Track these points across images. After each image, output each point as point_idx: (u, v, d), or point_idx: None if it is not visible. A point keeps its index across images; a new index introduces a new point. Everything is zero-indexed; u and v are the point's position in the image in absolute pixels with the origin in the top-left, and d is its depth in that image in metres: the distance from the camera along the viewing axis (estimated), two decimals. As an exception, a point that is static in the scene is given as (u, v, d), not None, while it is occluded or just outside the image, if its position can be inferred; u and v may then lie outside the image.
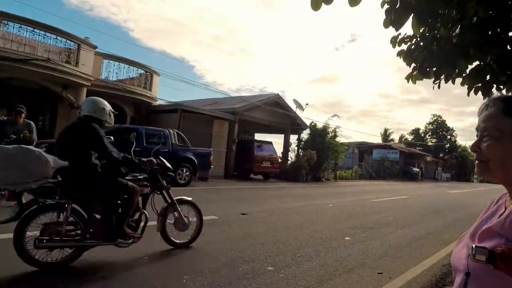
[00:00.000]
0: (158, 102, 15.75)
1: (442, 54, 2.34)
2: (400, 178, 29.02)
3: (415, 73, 2.76)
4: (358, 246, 4.46)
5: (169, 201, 3.59)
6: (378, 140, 41.69)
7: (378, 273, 3.44)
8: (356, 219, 6.64)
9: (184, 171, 10.58)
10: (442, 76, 2.67)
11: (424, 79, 2.71)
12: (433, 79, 2.64)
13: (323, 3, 1.90)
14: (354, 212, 7.83)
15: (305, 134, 20.07)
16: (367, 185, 18.99)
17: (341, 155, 19.89)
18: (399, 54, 2.77)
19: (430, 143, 48.40)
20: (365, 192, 13.73)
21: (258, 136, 22.22)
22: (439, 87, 2.77)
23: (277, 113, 17.93)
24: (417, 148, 43.12)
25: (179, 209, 3.62)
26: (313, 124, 19.66)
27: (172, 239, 3.68)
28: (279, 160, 17.69)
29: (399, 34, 2.68)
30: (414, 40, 2.69)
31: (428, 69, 2.59)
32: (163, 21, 79.75)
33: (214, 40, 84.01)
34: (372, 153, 30.47)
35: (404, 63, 2.75)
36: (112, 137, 8.66)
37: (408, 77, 2.83)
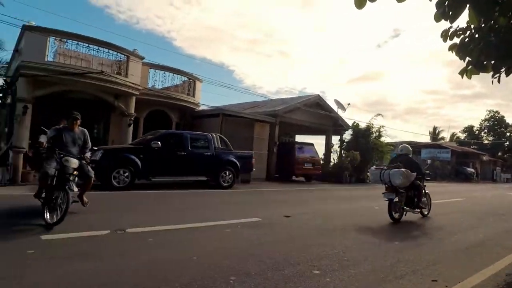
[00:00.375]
0: (201, 108, 16.25)
1: (502, 46, 2.16)
2: (453, 179, 27.09)
3: (470, 67, 2.57)
4: (409, 251, 4.24)
5: None
6: (426, 139, 39.39)
7: (433, 281, 3.25)
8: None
9: (227, 173, 10.80)
10: (502, 69, 2.47)
11: (480, 73, 2.52)
12: (491, 73, 2.45)
13: (368, 1, 1.85)
14: (403, 215, 7.46)
15: (347, 135, 19.56)
16: (416, 187, 17.93)
17: (387, 156, 19.03)
18: (451, 48, 2.60)
19: (486, 141, 44.65)
20: (414, 195, 13.00)
21: (299, 138, 22.03)
22: (498, 81, 2.57)
23: (318, 114, 17.67)
24: (472, 147, 39.98)
25: None
26: (355, 124, 19.11)
27: None
28: (321, 162, 17.37)
29: (451, 27, 2.52)
30: (468, 32, 2.51)
31: (485, 63, 2.40)
32: (202, 29, 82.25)
33: (251, 44, 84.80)
34: (420, 153, 28.82)
35: (456, 57, 2.58)
36: (159, 142, 9.18)
37: (462, 72, 2.65)
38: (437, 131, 44.19)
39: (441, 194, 13.80)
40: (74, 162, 4.72)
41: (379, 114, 19.08)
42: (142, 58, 12.84)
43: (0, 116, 16.25)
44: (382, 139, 18.83)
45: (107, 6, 76.80)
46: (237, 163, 11.07)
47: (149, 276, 2.93)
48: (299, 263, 3.47)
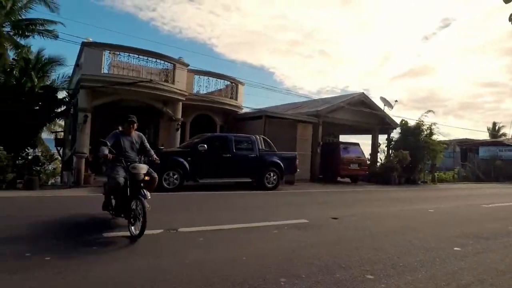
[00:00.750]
0: (244, 110, 16.50)
1: None
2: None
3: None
4: (473, 259, 3.93)
5: None
6: (484, 136, 36.22)
7: (501, 290, 2.98)
8: (465, 227, 5.87)
9: (272, 175, 10.85)
10: None
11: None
12: None
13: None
14: (461, 218, 6.95)
15: (395, 134, 18.65)
16: (473, 188, 16.61)
17: (440, 155, 17.85)
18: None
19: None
20: (473, 196, 12.05)
21: (343, 138, 21.46)
22: None
23: (362, 113, 17.08)
24: (541, 143, 35.97)
25: None
26: (404, 122, 18.16)
27: None
28: (368, 162, 16.75)
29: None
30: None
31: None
32: (242, 34, 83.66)
33: (291, 45, 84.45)
34: (478, 152, 26.57)
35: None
36: (205, 145, 9.46)
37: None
38: (497, 127, 40.39)
39: (504, 196, 12.66)
40: (142, 168, 4.45)
41: (430, 111, 17.96)
42: (187, 65, 13.36)
43: (65, 125, 17.87)
44: (434, 137, 17.66)
45: (152, 18, 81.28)
46: (281, 164, 11.08)
47: (201, 274, 3.04)
48: (350, 267, 3.38)
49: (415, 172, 17.38)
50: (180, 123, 13.48)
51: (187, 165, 9.35)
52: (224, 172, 10.21)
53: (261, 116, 14.36)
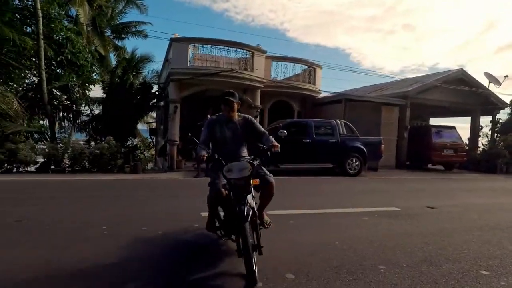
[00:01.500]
0: (322, 95, 16.07)
1: None
2: None
3: None
4: None
5: None
6: None
7: None
8: None
9: (354, 161, 10.45)
10: None
11: None
12: None
13: None
14: None
15: (502, 115, 16.17)
16: None
17: None
18: None
19: None
20: None
21: (434, 121, 19.43)
22: None
23: (460, 92, 15.12)
24: None
25: None
26: (514, 100, 15.59)
27: None
28: (466, 148, 14.88)
29: None
30: None
31: None
32: (315, 16, 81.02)
33: (369, 22, 78.75)
34: None
35: None
36: (285, 131, 9.54)
37: None
38: None
39: None
40: (242, 168, 2.75)
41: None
42: (265, 52, 13.48)
43: (156, 116, 19.84)
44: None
45: (226, 9, 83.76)
46: (364, 149, 10.56)
47: (295, 255, 3.09)
48: (459, 260, 3.07)
49: (527, 159, 14.90)
50: (259, 110, 13.77)
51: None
52: (304, 158, 10.16)
53: (340, 100, 13.80)
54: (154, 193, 6.62)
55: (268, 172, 3.22)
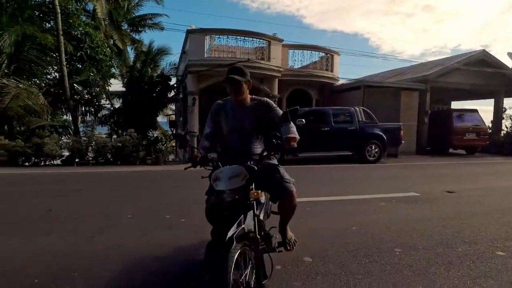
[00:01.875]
0: (340, 82, 15.91)
1: None
2: None
3: None
4: None
5: None
6: None
7: None
8: None
9: (373, 147, 10.40)
10: None
11: None
12: None
13: None
14: None
15: (528, 95, 15.50)
16: None
17: None
18: None
19: None
20: None
21: (456, 105, 18.86)
22: None
23: (482, 74, 14.59)
24: None
25: None
26: (541, 80, 14.91)
27: None
28: (489, 131, 14.44)
29: None
30: None
31: None
32: (331, 1, 78.79)
33: (387, 4, 75.90)
34: None
35: None
36: (303, 120, 9.59)
37: None
38: None
39: None
40: (234, 176, 1.96)
41: None
42: (282, 40, 13.44)
43: (175, 109, 20.23)
44: None
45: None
46: (383, 136, 10.49)
47: (312, 240, 3.23)
48: (475, 242, 3.13)
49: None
50: (277, 100, 13.82)
51: (286, 139, 9.66)
52: (323, 146, 10.20)
53: (359, 87, 13.65)
54: (176, 183, 6.89)
55: (287, 176, 2.40)
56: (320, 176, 7.86)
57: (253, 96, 2.50)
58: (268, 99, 2.51)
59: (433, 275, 2.46)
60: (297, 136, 2.14)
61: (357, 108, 10.78)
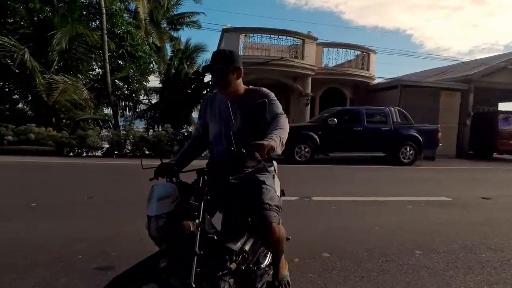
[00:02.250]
0: (376, 81, 15.53)
1: None
2: None
3: None
4: None
5: None
6: None
7: None
8: None
9: (408, 149, 10.11)
10: None
11: None
12: None
13: None
14: None
15: None
16: None
17: None
18: None
19: None
20: None
21: (504, 106, 17.66)
22: None
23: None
24: None
25: None
26: None
27: None
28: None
29: None
30: None
31: None
32: (374, -6, 75.91)
33: (436, -2, 71.62)
34: None
35: None
36: (335, 119, 9.53)
37: None
38: None
39: None
40: (161, 198, 1.47)
41: None
42: (316, 39, 13.38)
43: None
44: None
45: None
46: (419, 137, 10.15)
47: (332, 238, 3.32)
48: (501, 249, 3.06)
49: None
50: (309, 98, 13.80)
51: (317, 139, 9.68)
52: (355, 146, 10.09)
53: (396, 86, 13.27)
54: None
55: (272, 200, 1.71)
56: (349, 176, 7.83)
57: (250, 87, 1.91)
58: (267, 90, 1.87)
59: (449, 278, 2.47)
60: (273, 143, 1.44)
61: (392, 108, 10.52)
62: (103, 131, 12.91)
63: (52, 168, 7.85)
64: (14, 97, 13.86)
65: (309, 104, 13.82)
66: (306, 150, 9.62)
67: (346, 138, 9.90)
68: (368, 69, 14.93)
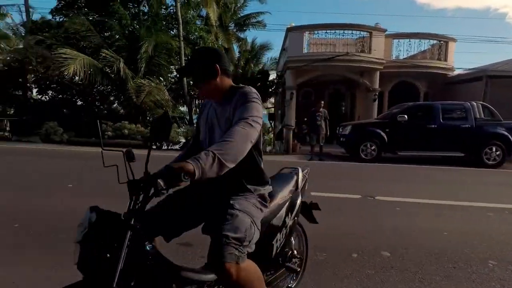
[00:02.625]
0: (456, 72, 14.08)
1: None
2: None
3: None
4: None
5: None
6: None
7: None
8: None
9: (493, 150, 8.99)
10: None
11: None
12: None
13: None
14: None
15: None
16: None
17: None
18: None
19: None
20: None
21: None
22: None
23: None
24: None
25: None
26: None
27: None
28: None
29: None
30: None
31: None
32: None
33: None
34: None
35: None
36: (405, 116, 8.97)
37: None
38: None
39: None
40: (82, 223, 1.16)
41: None
42: (385, 30, 12.66)
43: (275, 102, 21.04)
44: None
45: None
46: (509, 136, 8.95)
47: (395, 237, 3.19)
48: None
49: None
50: (377, 93, 13.13)
51: (385, 136, 9.19)
52: (428, 145, 9.31)
53: (480, 77, 11.90)
54: (271, 172, 7.36)
55: (232, 235, 1.30)
56: (420, 177, 7.29)
57: (233, 86, 1.58)
58: (247, 89, 1.50)
59: (527, 292, 2.23)
60: (189, 167, 1.08)
61: (474, 103, 9.45)
62: (183, 127, 14.17)
63: (138, 159, 8.82)
64: (110, 98, 16.20)
65: (377, 100, 13.13)
66: (372, 148, 9.20)
67: (418, 136, 9.20)
68: (445, 60, 13.59)
